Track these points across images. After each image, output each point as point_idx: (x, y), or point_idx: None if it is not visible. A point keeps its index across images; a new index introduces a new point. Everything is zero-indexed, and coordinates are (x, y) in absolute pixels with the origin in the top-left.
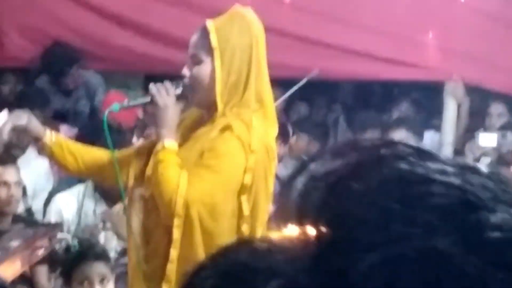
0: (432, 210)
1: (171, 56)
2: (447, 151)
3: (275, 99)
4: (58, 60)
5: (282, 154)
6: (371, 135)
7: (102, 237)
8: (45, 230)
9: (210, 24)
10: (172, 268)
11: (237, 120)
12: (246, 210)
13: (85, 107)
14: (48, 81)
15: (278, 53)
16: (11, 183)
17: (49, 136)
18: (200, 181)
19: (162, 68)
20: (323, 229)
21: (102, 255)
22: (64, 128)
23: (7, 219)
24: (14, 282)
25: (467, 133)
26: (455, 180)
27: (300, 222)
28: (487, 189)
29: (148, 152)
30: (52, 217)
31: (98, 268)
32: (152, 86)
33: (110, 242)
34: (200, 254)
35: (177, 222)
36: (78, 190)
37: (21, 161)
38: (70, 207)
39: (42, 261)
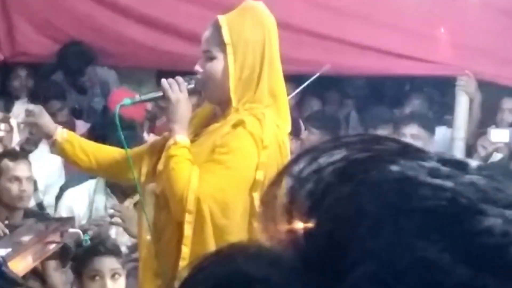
0: (421, 216)
1: (183, 51)
2: (459, 147)
3: (287, 94)
4: (75, 59)
5: (294, 150)
6: (382, 130)
7: (113, 232)
8: (56, 225)
9: (222, 19)
10: (184, 265)
11: (250, 116)
12: (258, 207)
13: (99, 104)
14: (64, 79)
15: (290, 48)
16: (23, 178)
17: (61, 133)
18: (212, 177)
19: (175, 63)
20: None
21: (113, 250)
22: (79, 123)
23: (18, 214)
24: (26, 277)
25: (479, 129)
26: (446, 182)
27: (289, 222)
28: (479, 189)
29: (160, 148)
30: (62, 212)
31: (110, 263)
32: (164, 81)
33: (121, 237)
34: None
35: (188, 219)
36: (89, 185)
37: (33, 156)
38: (81, 202)
39: (53, 256)
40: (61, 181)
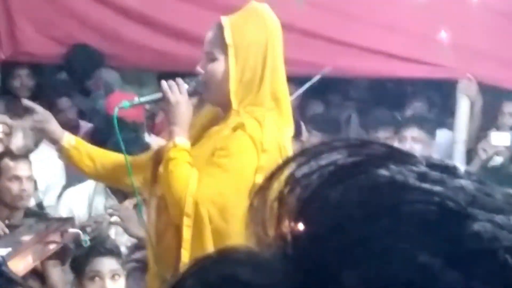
0: (410, 220)
1: (185, 53)
2: (459, 149)
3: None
4: (83, 62)
5: (294, 151)
6: (383, 133)
7: (112, 233)
8: (56, 225)
9: (225, 20)
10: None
11: (250, 119)
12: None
13: (102, 105)
14: (67, 80)
15: (292, 49)
16: (23, 178)
17: (67, 139)
18: (211, 180)
19: (176, 65)
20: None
21: (113, 251)
22: (82, 124)
23: (19, 214)
24: (26, 276)
25: (480, 132)
26: (435, 187)
27: (277, 226)
28: (467, 194)
29: (164, 154)
30: (62, 212)
31: (109, 264)
32: (164, 83)
33: (121, 238)
34: None
35: (187, 222)
36: (88, 185)
37: (34, 155)
38: (80, 202)
39: (53, 256)
40: (62, 181)
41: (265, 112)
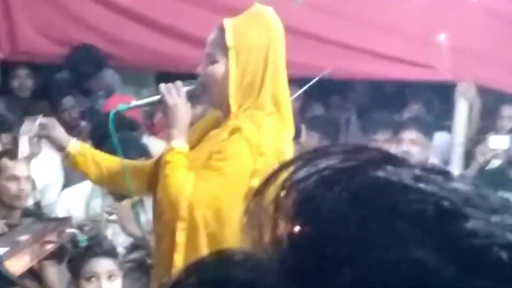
0: (407, 219)
1: (184, 53)
2: (458, 152)
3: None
4: (86, 64)
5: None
6: (381, 135)
7: (109, 233)
8: (54, 225)
9: (227, 22)
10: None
11: (248, 122)
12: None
13: (101, 105)
14: (70, 80)
15: (291, 51)
16: (21, 177)
17: (73, 145)
18: (206, 184)
19: (175, 65)
20: (297, 239)
21: (110, 252)
22: (82, 124)
23: (16, 213)
24: (22, 276)
25: (478, 135)
26: (430, 187)
27: (273, 230)
28: (462, 195)
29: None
30: (59, 212)
31: (106, 265)
32: (162, 86)
33: (118, 237)
34: None
35: (181, 226)
36: (85, 185)
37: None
38: (78, 202)
39: (50, 256)
40: (60, 181)
41: (264, 116)
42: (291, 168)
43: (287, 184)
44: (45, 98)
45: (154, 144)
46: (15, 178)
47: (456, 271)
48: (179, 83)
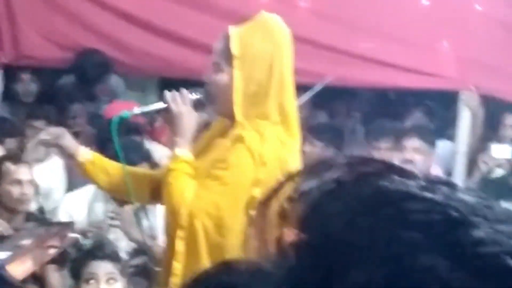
0: (415, 227)
1: (187, 60)
2: (460, 161)
3: None
4: (93, 69)
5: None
6: (384, 143)
7: (111, 238)
8: (56, 230)
9: (233, 31)
10: (175, 282)
11: (251, 131)
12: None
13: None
14: (74, 84)
15: (296, 59)
16: (24, 181)
17: (83, 153)
18: (207, 193)
19: (179, 71)
20: (303, 249)
21: (110, 255)
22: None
23: (19, 218)
24: (25, 281)
25: (481, 144)
26: (436, 196)
27: (279, 241)
28: (468, 205)
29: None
30: (61, 217)
31: (105, 268)
32: (168, 93)
33: (120, 243)
34: None
35: (180, 234)
36: (88, 189)
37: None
38: (80, 207)
39: (53, 260)
40: (63, 185)
41: (268, 125)
42: (296, 180)
43: (292, 195)
44: (49, 103)
45: (156, 149)
46: (18, 182)
47: (464, 278)
48: (185, 91)
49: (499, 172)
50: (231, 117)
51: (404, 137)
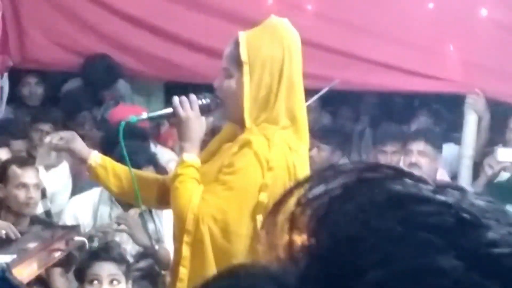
0: (428, 229)
1: (193, 64)
2: (466, 164)
3: None
4: (102, 73)
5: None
6: (391, 147)
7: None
8: (62, 233)
9: (242, 36)
10: (181, 287)
11: (259, 136)
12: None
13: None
14: (81, 88)
15: (302, 63)
16: (30, 185)
17: (94, 157)
18: (214, 197)
19: (185, 75)
20: (315, 251)
21: (114, 257)
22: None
23: (25, 221)
24: (30, 284)
25: (487, 148)
26: (448, 199)
27: (290, 246)
28: (480, 208)
29: None
30: (67, 220)
31: (109, 269)
32: (176, 99)
33: (125, 246)
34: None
35: (186, 239)
36: (94, 193)
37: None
38: (86, 210)
39: (58, 263)
40: (68, 188)
41: (276, 130)
42: (305, 187)
43: (302, 202)
44: (55, 106)
45: (162, 153)
46: (24, 185)
47: (478, 279)
48: (193, 96)
49: (505, 176)
50: (240, 122)
51: (410, 140)
